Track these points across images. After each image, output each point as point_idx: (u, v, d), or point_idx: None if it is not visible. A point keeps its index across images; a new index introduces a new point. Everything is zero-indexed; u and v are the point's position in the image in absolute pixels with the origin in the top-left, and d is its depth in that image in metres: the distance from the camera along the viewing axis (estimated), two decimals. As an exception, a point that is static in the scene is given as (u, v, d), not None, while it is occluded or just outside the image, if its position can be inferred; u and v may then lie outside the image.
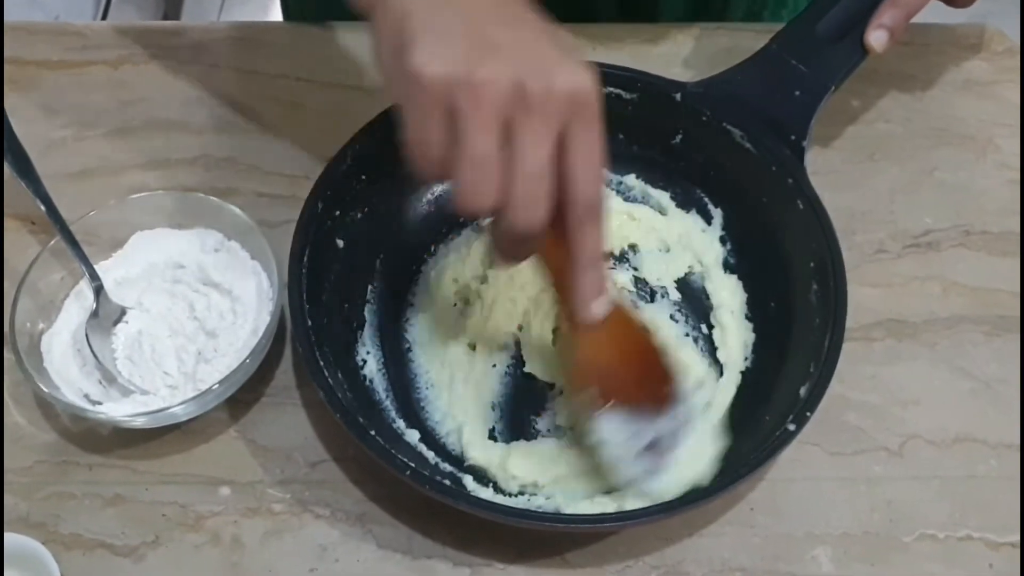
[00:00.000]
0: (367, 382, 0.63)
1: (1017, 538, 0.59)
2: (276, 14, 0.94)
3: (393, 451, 0.56)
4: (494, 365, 0.65)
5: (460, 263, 0.67)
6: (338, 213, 0.64)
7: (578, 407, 0.60)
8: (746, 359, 0.64)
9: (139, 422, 0.58)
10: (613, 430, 0.56)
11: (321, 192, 0.63)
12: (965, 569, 0.58)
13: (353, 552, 0.58)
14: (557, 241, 0.49)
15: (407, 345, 0.66)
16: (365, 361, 0.64)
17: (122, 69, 0.78)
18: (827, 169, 0.74)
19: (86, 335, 0.61)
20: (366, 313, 0.66)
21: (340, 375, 0.60)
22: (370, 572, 0.57)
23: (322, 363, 0.58)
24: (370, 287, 0.67)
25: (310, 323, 0.59)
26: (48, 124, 0.75)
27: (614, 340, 0.55)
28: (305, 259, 0.61)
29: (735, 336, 0.65)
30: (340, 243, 0.65)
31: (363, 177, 0.66)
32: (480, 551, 0.58)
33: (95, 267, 0.63)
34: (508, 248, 0.49)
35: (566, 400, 0.63)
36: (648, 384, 0.57)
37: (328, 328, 0.61)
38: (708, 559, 0.58)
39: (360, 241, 0.66)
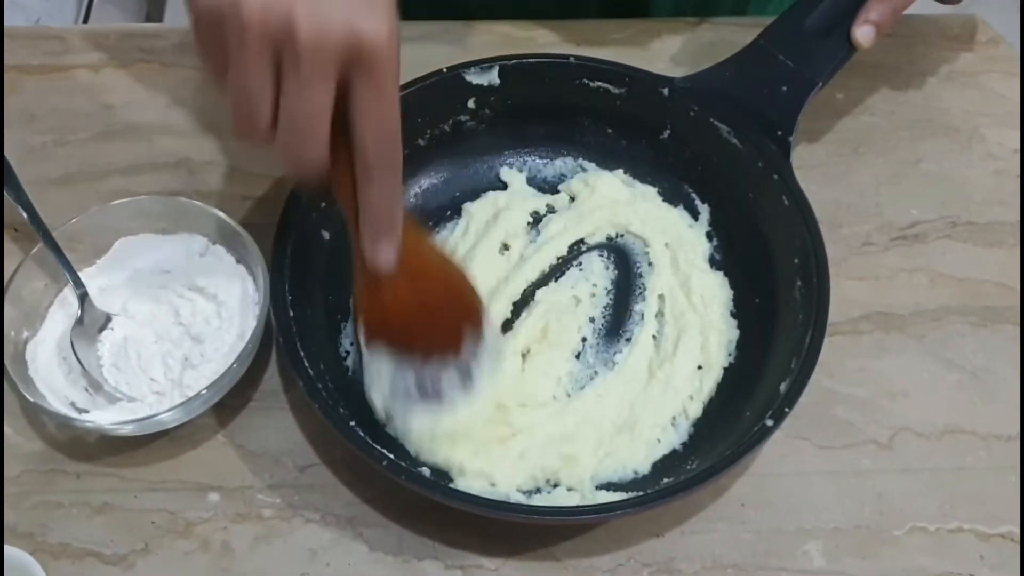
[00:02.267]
0: (350, 373, 0.63)
1: (1007, 529, 0.59)
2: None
3: (372, 442, 0.55)
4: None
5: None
6: (323, 205, 0.64)
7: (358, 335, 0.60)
8: (729, 355, 0.64)
9: (126, 429, 0.58)
10: (381, 367, 0.56)
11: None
12: (956, 561, 0.58)
13: (344, 556, 0.57)
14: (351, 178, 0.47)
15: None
16: (348, 352, 0.64)
17: (103, 73, 0.78)
18: (813, 162, 0.74)
19: (71, 343, 0.60)
20: (350, 305, 0.66)
21: (322, 366, 0.60)
22: (361, 575, 0.57)
23: (303, 353, 0.57)
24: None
25: (292, 313, 0.59)
26: (28, 130, 0.74)
27: (396, 286, 0.52)
28: (288, 251, 0.61)
29: (717, 334, 0.65)
30: (326, 235, 0.65)
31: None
32: (471, 551, 0.58)
33: (79, 274, 0.63)
34: (292, 174, 0.47)
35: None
36: (433, 328, 0.56)
37: (311, 319, 0.61)
38: (700, 556, 0.58)
39: (346, 233, 0.66)
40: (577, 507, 0.57)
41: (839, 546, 0.58)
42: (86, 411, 0.59)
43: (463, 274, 0.57)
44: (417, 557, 0.57)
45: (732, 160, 0.67)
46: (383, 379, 0.56)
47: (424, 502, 0.55)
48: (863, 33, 0.66)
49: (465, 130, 0.71)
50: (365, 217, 0.49)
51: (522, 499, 0.59)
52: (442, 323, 0.56)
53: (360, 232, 0.50)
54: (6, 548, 0.54)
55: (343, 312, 0.66)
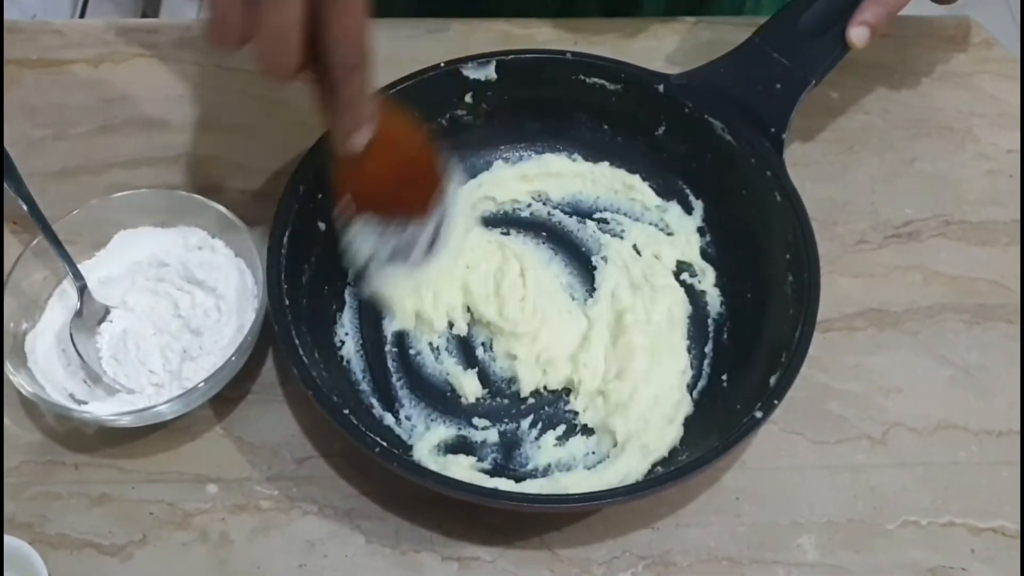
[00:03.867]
0: (344, 363, 0.64)
1: (998, 523, 0.59)
2: (257, 11, 0.94)
3: (365, 430, 0.56)
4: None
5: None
6: (320, 196, 0.65)
7: (337, 214, 0.61)
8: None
9: (125, 421, 0.58)
10: (364, 234, 0.59)
11: (303, 175, 0.63)
12: (947, 554, 0.58)
13: (341, 547, 0.58)
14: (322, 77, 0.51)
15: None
16: (343, 342, 0.65)
17: (102, 67, 0.78)
18: (808, 161, 0.74)
19: (70, 335, 0.60)
20: (346, 295, 0.67)
21: (317, 354, 0.60)
22: (358, 567, 0.57)
23: (298, 341, 0.58)
24: (351, 270, 0.67)
25: (287, 302, 0.59)
26: (28, 123, 0.74)
27: (372, 160, 0.56)
28: (285, 240, 0.61)
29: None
30: (322, 226, 0.65)
31: (347, 161, 0.66)
32: (468, 544, 0.58)
33: (78, 266, 0.63)
34: (268, 77, 0.50)
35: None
36: (404, 194, 0.59)
37: (307, 308, 0.62)
38: (695, 548, 0.58)
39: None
40: (567, 495, 0.57)
41: (832, 539, 0.59)
42: (85, 403, 0.59)
43: (429, 144, 0.60)
44: (414, 549, 0.58)
45: (726, 156, 0.67)
46: (364, 244, 0.60)
47: (421, 494, 0.56)
48: (857, 34, 0.67)
49: (461, 124, 0.71)
50: (336, 112, 0.52)
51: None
52: (410, 189, 0.59)
53: (333, 121, 0.53)
54: (6, 538, 0.54)
55: (339, 302, 0.66)
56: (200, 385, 0.58)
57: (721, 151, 0.67)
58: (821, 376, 0.64)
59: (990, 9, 0.75)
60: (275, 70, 0.49)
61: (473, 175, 0.73)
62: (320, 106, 0.53)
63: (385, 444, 0.56)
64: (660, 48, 0.80)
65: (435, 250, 0.61)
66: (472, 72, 0.69)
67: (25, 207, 0.63)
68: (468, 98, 0.70)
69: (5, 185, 0.64)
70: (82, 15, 1.86)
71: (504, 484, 0.59)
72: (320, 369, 0.59)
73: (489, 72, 0.69)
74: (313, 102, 0.53)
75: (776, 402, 0.56)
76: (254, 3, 0.46)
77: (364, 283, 0.64)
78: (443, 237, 0.61)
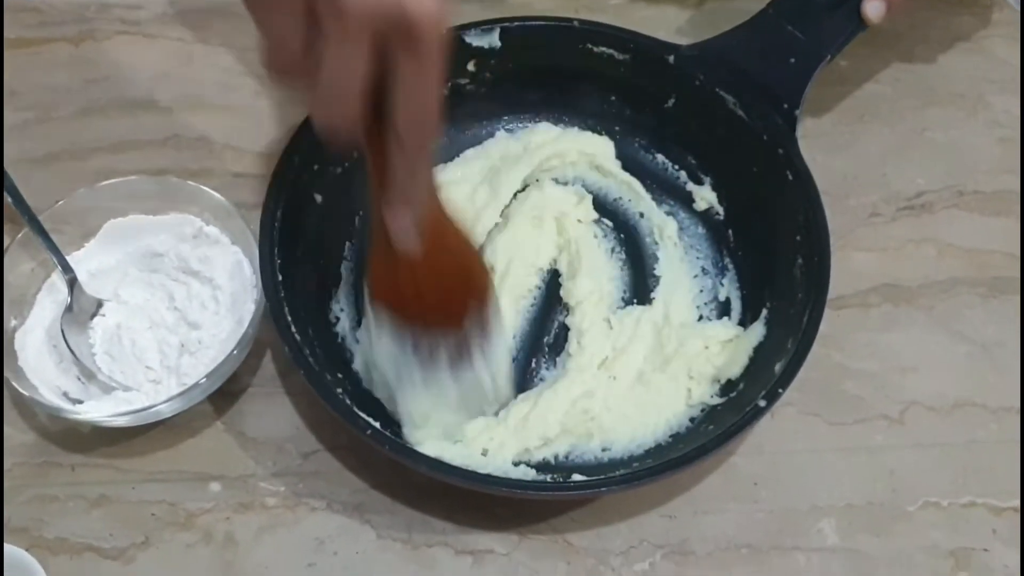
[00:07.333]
0: (339, 339, 0.62)
1: (1019, 502, 0.58)
2: (239, -18, 0.91)
3: (357, 410, 0.54)
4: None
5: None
6: (316, 167, 0.62)
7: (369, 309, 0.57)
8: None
9: (122, 421, 0.56)
10: (389, 337, 0.54)
11: (299, 144, 0.61)
12: (969, 535, 0.57)
13: (351, 544, 0.56)
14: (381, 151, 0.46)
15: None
16: (338, 318, 0.63)
17: (83, 46, 0.75)
18: (817, 132, 0.72)
19: (61, 330, 0.58)
20: (342, 270, 0.65)
21: (311, 331, 0.58)
22: (370, 563, 0.56)
23: (291, 318, 0.56)
24: (348, 244, 0.66)
25: (281, 277, 0.57)
26: (8, 106, 0.71)
27: (417, 264, 0.51)
28: (279, 212, 0.59)
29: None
30: (318, 198, 0.63)
31: (344, 131, 0.64)
32: (481, 535, 0.57)
33: (67, 258, 0.60)
34: (319, 127, 0.45)
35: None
36: (433, 302, 0.54)
37: (301, 284, 0.60)
38: (713, 536, 0.57)
39: (339, 197, 0.64)
40: (565, 483, 0.56)
41: (852, 523, 0.58)
42: (79, 401, 0.57)
43: (478, 255, 0.56)
44: (427, 543, 0.56)
45: (737, 132, 0.65)
46: (382, 341, 0.55)
47: (431, 485, 0.54)
48: (873, 8, 0.64)
49: (464, 94, 0.69)
50: (389, 196, 0.47)
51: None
52: (449, 298, 0.55)
53: (383, 200, 0.48)
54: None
55: (334, 277, 0.64)
56: (201, 382, 0.56)
57: (732, 126, 0.65)
58: (836, 355, 0.63)
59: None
60: (330, 120, 0.43)
61: (474, 145, 0.70)
62: (373, 184, 0.48)
63: (377, 425, 0.54)
64: (662, 16, 0.78)
65: (458, 368, 0.55)
66: (475, 39, 0.66)
67: (10, 199, 0.61)
68: (471, 66, 0.68)
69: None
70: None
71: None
72: (314, 347, 0.58)
73: (493, 40, 0.67)
74: (368, 177, 0.48)
75: (780, 391, 0.54)
76: (317, 35, 0.41)
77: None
78: (472, 358, 0.56)
